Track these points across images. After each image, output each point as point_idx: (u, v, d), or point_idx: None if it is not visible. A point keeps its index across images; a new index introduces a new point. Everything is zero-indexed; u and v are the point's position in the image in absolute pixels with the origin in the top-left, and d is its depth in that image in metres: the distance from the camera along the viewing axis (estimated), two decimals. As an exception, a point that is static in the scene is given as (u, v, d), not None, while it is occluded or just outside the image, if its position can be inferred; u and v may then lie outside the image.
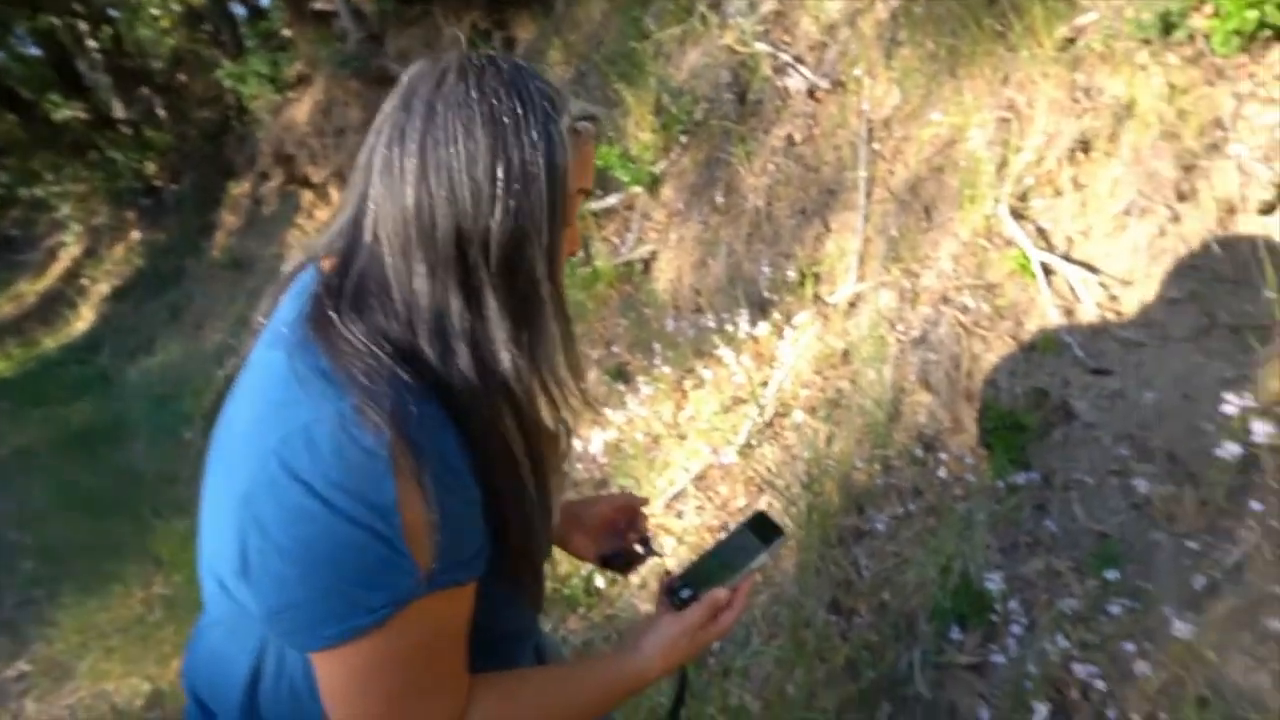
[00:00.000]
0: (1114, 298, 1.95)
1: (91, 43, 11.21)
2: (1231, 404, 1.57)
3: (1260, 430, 1.52)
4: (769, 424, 2.51)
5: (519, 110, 0.73)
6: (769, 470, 2.39)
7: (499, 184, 0.72)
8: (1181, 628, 1.45)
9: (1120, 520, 1.71)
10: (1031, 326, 2.04)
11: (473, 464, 0.74)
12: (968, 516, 1.88)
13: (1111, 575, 1.61)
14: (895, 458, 2.18)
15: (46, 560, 4.04)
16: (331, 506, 0.66)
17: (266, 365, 0.76)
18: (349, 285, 0.75)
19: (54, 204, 12.06)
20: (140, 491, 4.39)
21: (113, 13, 10.85)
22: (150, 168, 10.55)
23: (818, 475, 2.23)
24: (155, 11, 8.99)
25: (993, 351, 2.07)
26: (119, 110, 11.92)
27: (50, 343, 10.22)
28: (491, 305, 0.74)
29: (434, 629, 0.73)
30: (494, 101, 0.73)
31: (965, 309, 2.15)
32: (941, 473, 2.03)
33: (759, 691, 1.96)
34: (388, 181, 0.74)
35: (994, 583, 1.70)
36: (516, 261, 0.74)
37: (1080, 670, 1.51)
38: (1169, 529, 1.63)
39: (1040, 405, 1.95)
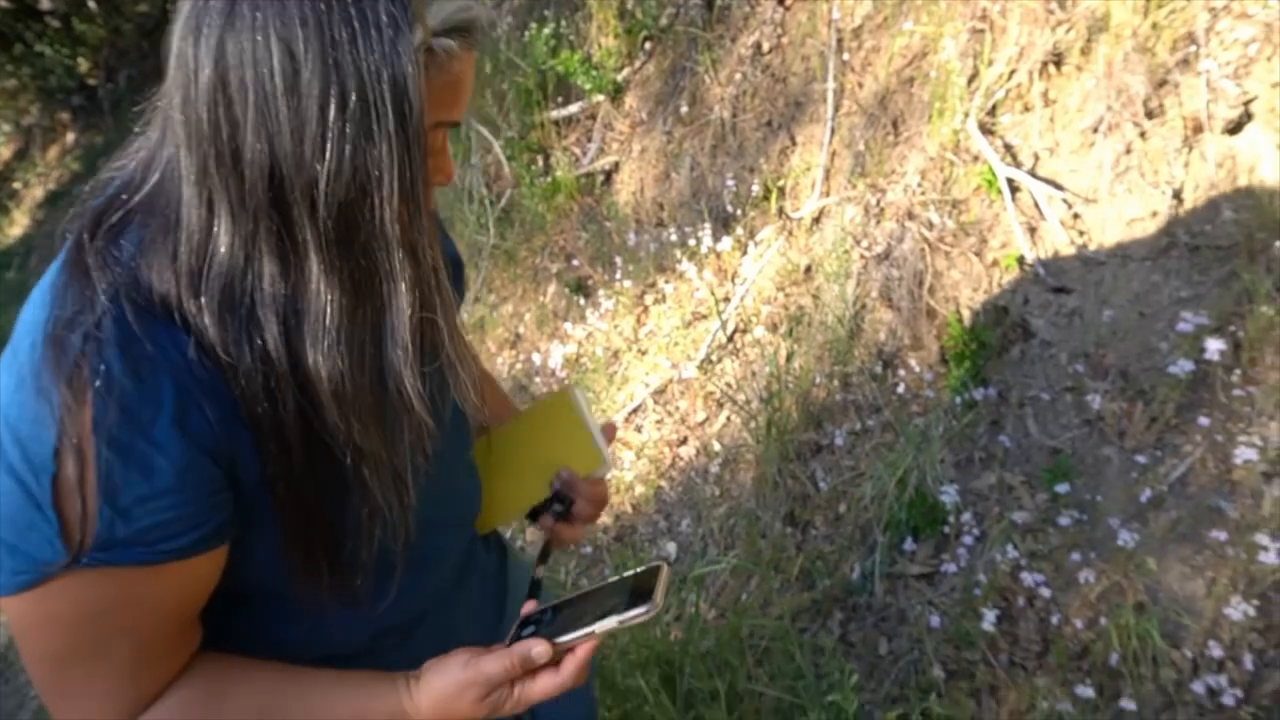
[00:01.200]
0: (1077, 216, 1.95)
1: (12, -75, 10.41)
2: (1187, 322, 1.59)
3: (1213, 347, 1.54)
4: (730, 339, 2.50)
5: (354, 18, 0.55)
6: (728, 385, 2.39)
7: (330, 117, 0.55)
8: (1126, 537, 1.49)
9: (1072, 436, 1.74)
10: (995, 244, 2.04)
11: (249, 450, 0.61)
12: (925, 431, 1.90)
13: (1062, 489, 1.65)
14: (855, 374, 2.19)
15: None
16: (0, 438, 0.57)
17: None
18: (131, 204, 0.62)
19: (-21, 102, 11.38)
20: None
21: (34, -108, 10.06)
22: (83, 64, 9.98)
23: (777, 391, 2.23)
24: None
25: (956, 268, 2.07)
26: (46, 1, 11.19)
27: (-19, 249, 9.79)
28: (316, 273, 0.59)
29: (101, 606, 0.61)
30: (320, 15, 0.55)
31: (930, 225, 2.14)
32: (900, 389, 2.05)
33: (713, 600, 2.00)
34: (181, 81, 0.58)
35: (948, 495, 1.74)
36: (355, 217, 0.58)
37: (1027, 579, 1.56)
38: (1119, 444, 1.67)
39: (1000, 323, 1.96)
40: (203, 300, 0.59)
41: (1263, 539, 1.40)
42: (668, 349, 2.59)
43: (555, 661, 0.70)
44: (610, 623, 0.69)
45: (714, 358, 2.49)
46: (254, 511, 0.65)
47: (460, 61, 0.62)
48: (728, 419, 2.35)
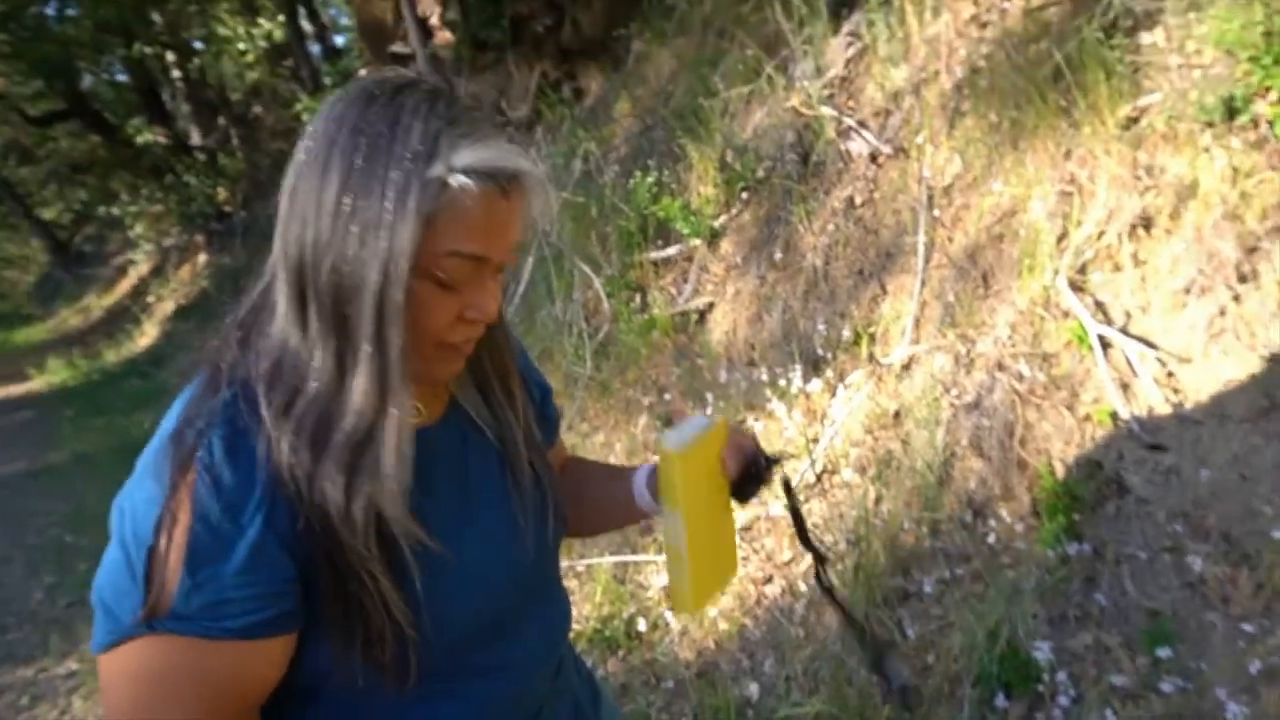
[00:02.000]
0: (1171, 374, 1.96)
1: (177, 73, 11.77)
2: (1291, 489, 1.57)
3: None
4: (818, 480, 2.53)
5: (383, 147, 0.65)
6: (815, 526, 2.41)
7: (339, 224, 0.66)
8: (1235, 710, 1.44)
9: (1173, 598, 1.70)
10: (1087, 398, 2.06)
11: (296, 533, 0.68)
12: (1016, 584, 1.88)
13: (1164, 653, 1.60)
14: (944, 521, 2.19)
15: (99, 563, 4.16)
16: (121, 517, 0.67)
17: None
18: (257, 300, 0.74)
19: (128, 223, 12.59)
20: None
21: (200, 46, 11.41)
22: (221, 194, 10.99)
23: (864, 534, 2.24)
24: (242, 46, 9.42)
25: (1047, 421, 2.08)
26: (196, 137, 12.47)
27: (113, 356, 10.58)
28: (317, 355, 0.69)
29: (165, 671, 0.66)
30: (362, 133, 0.66)
31: (1020, 377, 2.17)
32: (991, 539, 2.04)
33: (796, 751, 1.96)
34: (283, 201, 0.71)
35: (1042, 653, 1.70)
36: (343, 313, 0.67)
37: None
38: (1224, 610, 1.62)
39: (1093, 477, 1.95)
40: (286, 427, 0.68)
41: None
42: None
43: None
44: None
45: (802, 498, 2.52)
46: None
47: (479, 201, 0.67)
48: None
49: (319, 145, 0.67)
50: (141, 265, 13.76)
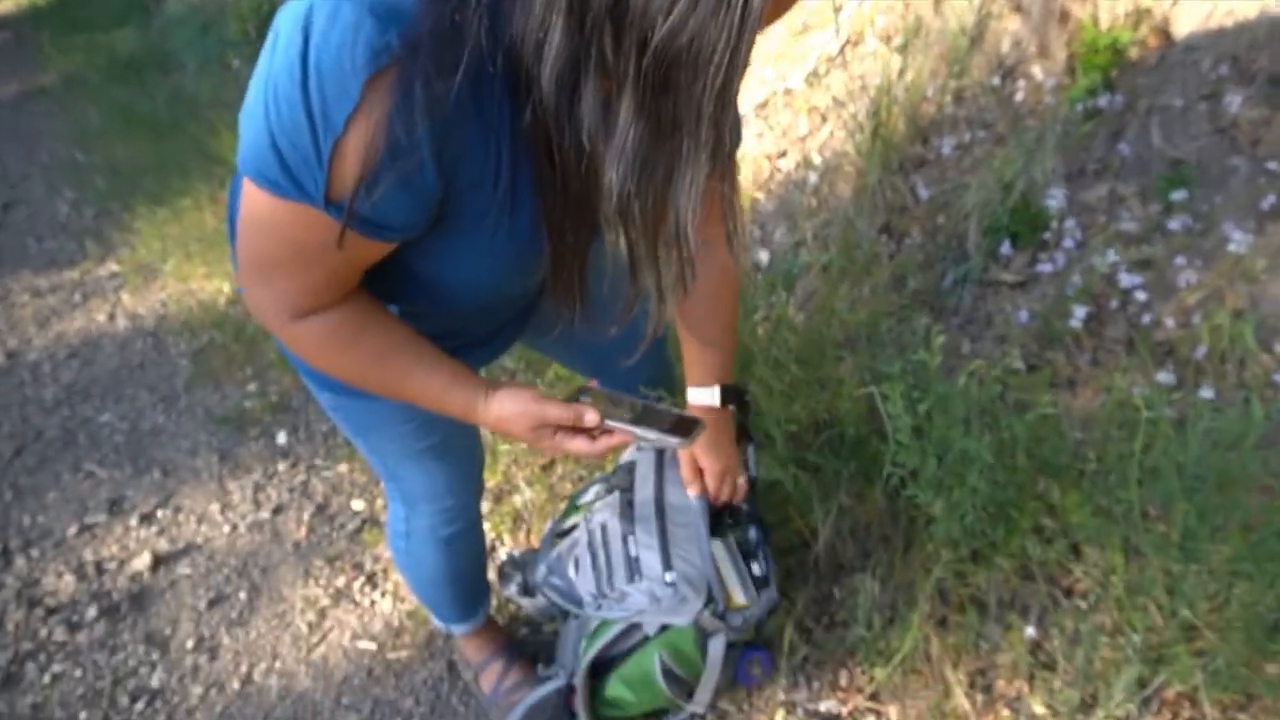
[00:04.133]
0: (1254, -100, 1.72)
1: None
2: (1359, 12, 1.44)
3: (1383, 41, 1.40)
4: (840, 51, 2.38)
5: None
6: (835, 99, 2.31)
7: None
8: (1239, 239, 1.46)
9: (1199, 145, 1.66)
10: (1150, -64, 1.84)
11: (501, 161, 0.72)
12: (1037, 140, 1.83)
13: (1178, 196, 1.59)
14: (971, 87, 2.08)
15: (116, 177, 4.18)
16: (305, 82, 0.63)
17: None
18: None
19: None
20: (195, 115, 4.41)
21: None
22: None
23: (885, 104, 2.15)
24: None
25: (1100, -36, 1.88)
26: None
27: (82, -29, 9.75)
28: (628, 105, 0.63)
29: (322, 244, 0.72)
30: None
31: (1078, -85, 1.93)
32: (1018, 98, 1.95)
33: (802, 304, 2.06)
34: None
35: (1055, 200, 1.70)
36: (677, 79, 0.60)
37: (1125, 280, 1.55)
38: (1250, 152, 1.58)
39: (1140, 25, 1.81)
40: (545, 69, 0.64)
41: (1388, 243, 1.35)
42: (774, 60, 2.49)
43: (593, 433, 0.88)
44: (650, 434, 0.86)
45: (822, 70, 2.39)
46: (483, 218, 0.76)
47: None
48: (831, 133, 2.29)
49: None
50: None
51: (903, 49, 2.25)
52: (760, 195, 2.31)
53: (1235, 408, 1.02)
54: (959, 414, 1.19)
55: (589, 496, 1.39)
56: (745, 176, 2.37)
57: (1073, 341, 1.57)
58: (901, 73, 2.25)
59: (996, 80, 2.04)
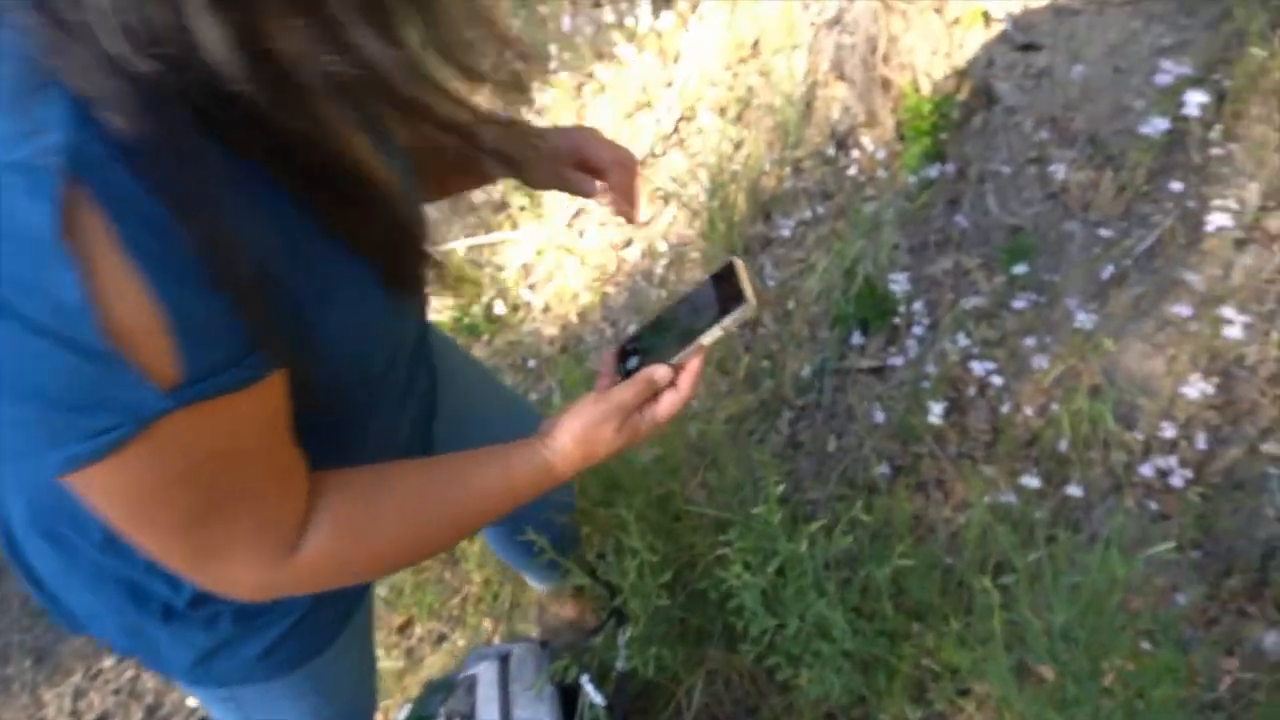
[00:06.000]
0: (1052, -44, 1.70)
1: None
2: (1167, 72, 1.40)
3: (1193, 101, 1.36)
4: (675, 129, 2.29)
5: None
6: (674, 180, 2.21)
7: None
8: (1083, 318, 1.38)
9: (1034, 211, 1.60)
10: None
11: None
12: (876, 216, 1.75)
13: (1020, 270, 1.52)
14: (806, 159, 2.01)
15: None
16: (7, 303, 0.46)
17: None
18: None
19: None
20: None
21: None
22: None
23: (724, 182, 2.06)
24: None
25: (913, 30, 1.83)
26: None
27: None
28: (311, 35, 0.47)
29: (212, 445, 0.55)
30: None
31: (886, -20, 1.88)
32: (852, 170, 1.88)
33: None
34: None
35: (899, 284, 1.61)
36: None
37: (978, 368, 1.47)
38: (1083, 217, 1.53)
39: (961, 89, 1.76)
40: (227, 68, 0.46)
41: (1228, 312, 1.29)
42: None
43: (673, 382, 0.72)
44: (715, 332, 0.71)
45: (658, 150, 2.29)
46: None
47: None
48: (675, 216, 2.18)
49: None
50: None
51: (736, 120, 2.17)
52: (610, 289, 2.18)
53: (1095, 552, 0.91)
54: (810, 577, 1.06)
55: None
56: (594, 271, 2.24)
57: (935, 439, 1.47)
58: (738, 146, 2.16)
59: (831, 150, 1.96)
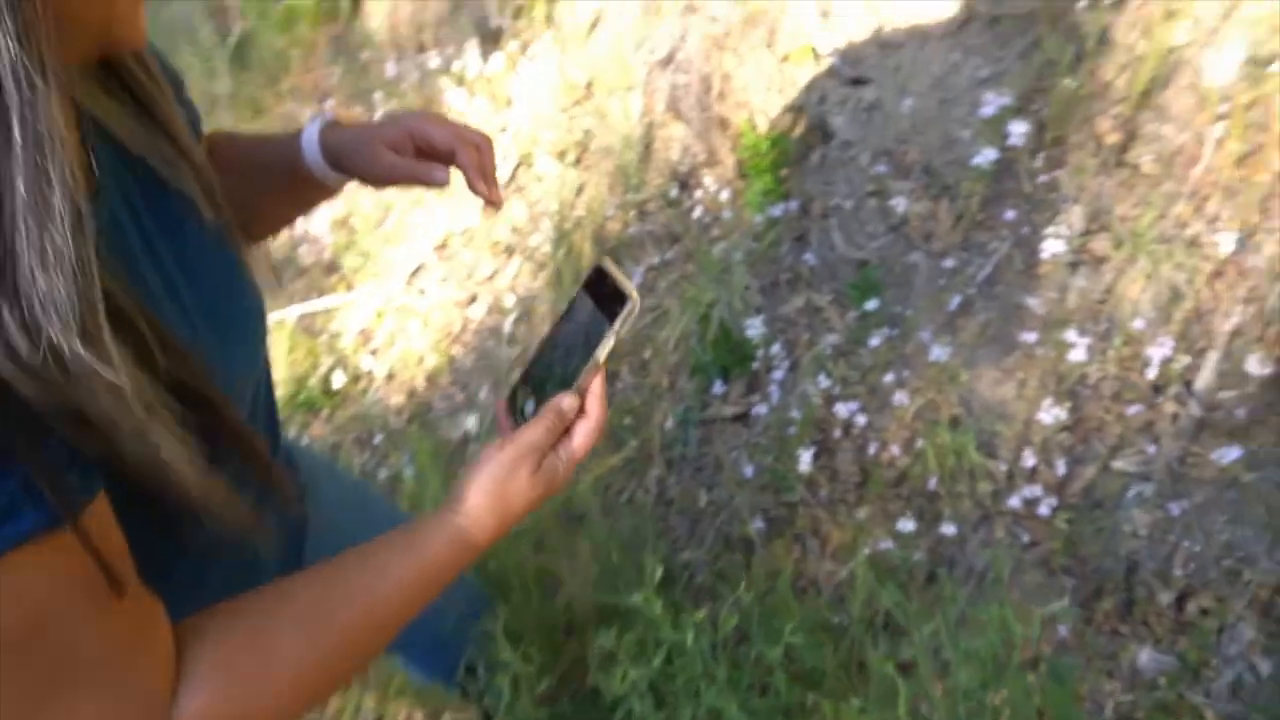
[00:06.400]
0: (870, -7, 1.72)
1: None
2: (990, 104, 1.43)
3: (1016, 131, 1.39)
4: (512, 177, 2.20)
5: None
6: (515, 230, 2.11)
7: None
8: (939, 352, 1.38)
9: (879, 245, 1.60)
10: (786, 34, 1.80)
11: None
12: (725, 257, 1.72)
13: (871, 305, 1.51)
14: (650, 201, 1.96)
15: None
16: None
17: None
18: None
19: None
20: None
21: None
22: None
23: (568, 230, 1.98)
24: None
25: (746, 67, 1.82)
26: None
27: None
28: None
29: (14, 617, 0.44)
30: None
31: (713, 19, 1.87)
32: (698, 212, 1.84)
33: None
34: None
35: (755, 329, 1.58)
36: None
37: (842, 409, 1.44)
38: (925, 248, 1.54)
39: (796, 126, 1.76)
40: None
41: (1070, 335, 1.31)
42: (442, 194, 2.26)
43: (580, 411, 0.65)
44: (608, 341, 0.65)
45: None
46: None
47: None
48: (519, 268, 2.09)
49: None
50: None
51: (575, 164, 2.10)
52: (457, 350, 2.06)
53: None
54: (699, 666, 0.98)
55: None
56: (438, 331, 2.10)
57: (806, 487, 1.44)
58: (579, 191, 2.10)
59: (674, 191, 1.92)
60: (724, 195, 1.80)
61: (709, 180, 1.86)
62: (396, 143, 0.75)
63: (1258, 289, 1.25)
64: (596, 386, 0.65)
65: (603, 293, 0.66)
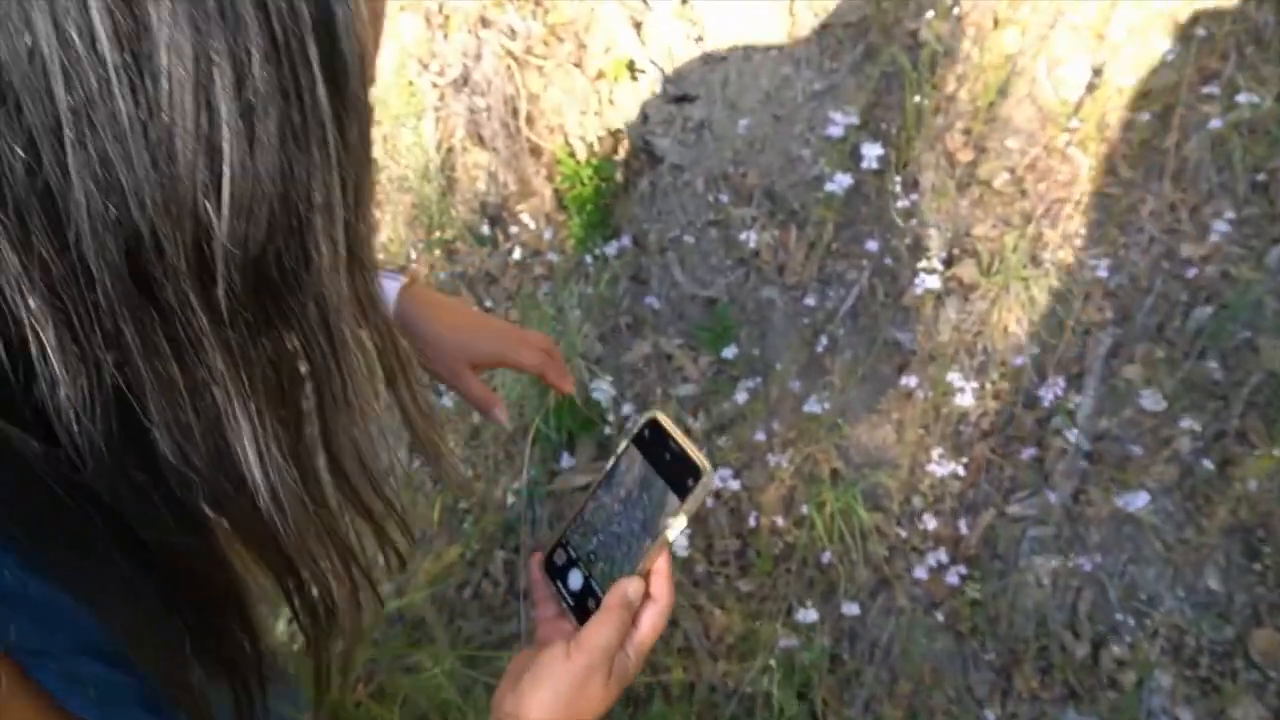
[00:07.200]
0: (687, 1, 1.56)
1: None
2: (837, 124, 1.30)
3: (870, 154, 1.27)
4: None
5: None
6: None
7: (219, 108, 0.28)
8: (813, 405, 1.24)
9: (727, 280, 1.44)
10: (597, 48, 1.60)
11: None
12: (554, 303, 1.50)
13: (729, 353, 1.35)
14: (457, 239, 1.70)
15: None
16: None
17: None
18: None
19: None
20: None
21: None
22: None
23: (364, 281, 1.69)
24: None
25: (554, 87, 1.61)
26: None
27: None
28: (219, 363, 0.33)
29: None
30: None
31: (512, 32, 1.64)
32: (517, 253, 1.61)
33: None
34: None
35: (601, 391, 1.37)
36: (271, 273, 0.32)
37: (715, 479, 1.26)
38: (780, 281, 1.40)
39: (618, 150, 1.57)
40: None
41: (952, 377, 1.21)
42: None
43: (646, 597, 0.55)
44: (679, 521, 0.55)
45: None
46: None
47: None
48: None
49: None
50: None
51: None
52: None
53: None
54: None
55: None
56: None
57: (682, 570, 1.25)
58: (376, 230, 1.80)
59: (485, 228, 1.68)
60: (545, 233, 1.58)
61: (525, 215, 1.63)
62: (484, 365, 0.75)
63: (1127, 307, 1.20)
64: (662, 565, 0.57)
65: (660, 454, 0.57)
